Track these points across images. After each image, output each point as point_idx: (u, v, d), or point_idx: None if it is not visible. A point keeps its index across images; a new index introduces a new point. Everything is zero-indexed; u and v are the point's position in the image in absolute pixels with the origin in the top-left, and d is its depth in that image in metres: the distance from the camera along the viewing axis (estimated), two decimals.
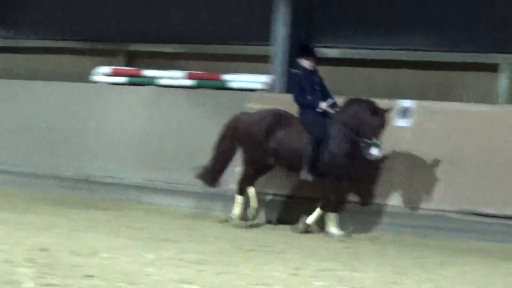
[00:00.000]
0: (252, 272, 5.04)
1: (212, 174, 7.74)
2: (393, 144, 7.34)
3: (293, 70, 7.60)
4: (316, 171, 7.10)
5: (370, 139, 6.80)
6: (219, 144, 7.74)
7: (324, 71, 9.09)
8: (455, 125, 7.37)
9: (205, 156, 8.06)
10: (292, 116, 7.50)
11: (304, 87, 7.32)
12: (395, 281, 5.01)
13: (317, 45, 9.01)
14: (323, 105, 7.23)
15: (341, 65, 9.25)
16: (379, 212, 7.55)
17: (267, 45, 9.24)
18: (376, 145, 6.78)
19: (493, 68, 8.38)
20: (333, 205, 7.18)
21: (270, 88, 9.06)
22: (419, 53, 8.40)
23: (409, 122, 7.56)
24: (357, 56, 9.20)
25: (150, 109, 9.20)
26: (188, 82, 9.54)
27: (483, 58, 8.40)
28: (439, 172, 7.25)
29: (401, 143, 7.50)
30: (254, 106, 8.29)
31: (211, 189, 8.15)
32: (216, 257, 5.58)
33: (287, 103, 7.94)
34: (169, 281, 4.50)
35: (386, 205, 7.47)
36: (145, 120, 9.18)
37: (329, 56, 9.10)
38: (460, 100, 8.24)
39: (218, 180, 7.77)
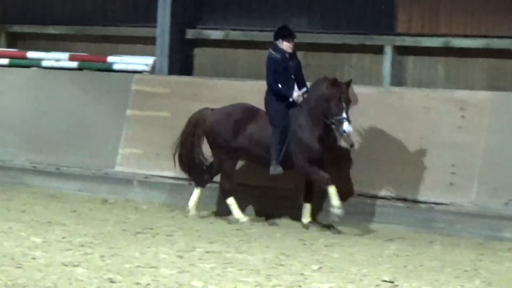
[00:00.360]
0: (139, 255, 5.10)
1: (195, 175, 7.30)
2: None
3: (272, 52, 6.98)
4: (285, 163, 6.74)
5: (339, 116, 6.46)
6: (183, 141, 7.25)
7: (208, 53, 9.32)
8: None
9: (89, 138, 8.11)
10: (258, 109, 7.11)
11: (279, 73, 6.90)
12: (281, 263, 5.07)
13: (201, 26, 9.21)
14: (295, 95, 6.86)
15: (225, 46, 9.41)
16: (265, 194, 7.43)
17: (153, 26, 9.27)
18: (347, 120, 6.46)
19: (377, 50, 8.60)
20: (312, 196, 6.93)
21: (155, 70, 9.08)
22: (304, 34, 8.29)
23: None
24: (241, 38, 9.28)
25: (34, 91, 9.03)
26: (72, 64, 9.48)
27: (367, 40, 8.62)
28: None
29: None
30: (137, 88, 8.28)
31: (97, 172, 8.22)
32: (103, 240, 5.60)
33: (172, 85, 8.06)
34: (55, 264, 4.57)
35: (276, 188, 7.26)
36: (29, 102, 9.00)
37: (213, 37, 9.32)
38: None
39: (204, 178, 7.28)
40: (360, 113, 7.00)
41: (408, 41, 8.49)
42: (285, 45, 6.91)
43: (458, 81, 8.26)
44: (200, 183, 7.21)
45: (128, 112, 8.49)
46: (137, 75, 8.83)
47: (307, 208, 6.89)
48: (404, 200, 7.00)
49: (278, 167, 6.75)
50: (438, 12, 8.46)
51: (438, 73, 8.50)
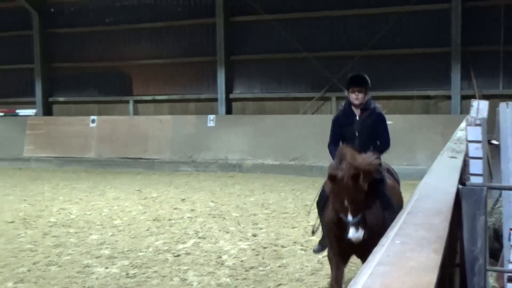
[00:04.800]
0: None
1: None
2: None
3: (340, 108, 5.96)
4: None
5: (345, 218, 4.92)
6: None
7: None
8: None
9: None
10: None
11: (337, 131, 5.78)
12: None
13: None
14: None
15: None
16: None
17: None
18: (353, 225, 4.88)
19: None
20: None
21: None
22: None
23: None
24: None
25: None
26: None
27: None
28: None
29: None
30: None
31: None
32: None
33: None
34: None
35: None
36: None
37: None
38: None
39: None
40: None
41: None
42: (351, 96, 5.68)
43: None
44: None
45: None
46: None
47: None
48: None
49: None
50: None
51: None
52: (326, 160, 15.04)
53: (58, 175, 15.98)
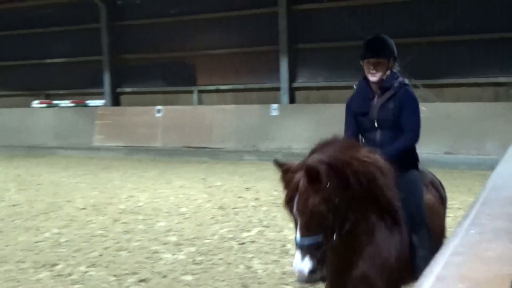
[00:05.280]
0: None
1: None
2: None
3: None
4: None
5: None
6: None
7: None
8: None
9: None
10: None
11: (351, 118, 4.21)
12: None
13: None
14: None
15: None
16: None
17: None
18: (298, 247, 3.12)
19: None
20: None
21: None
22: None
23: None
24: None
25: None
26: None
27: None
28: None
29: None
30: None
31: None
32: None
33: None
34: None
35: None
36: None
37: None
38: None
39: None
40: None
41: None
42: (366, 71, 4.15)
43: None
44: None
45: None
46: None
47: None
48: None
49: None
50: None
51: None
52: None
53: (126, 164, 16.43)
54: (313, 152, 3.47)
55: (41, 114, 21.49)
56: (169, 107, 19.42)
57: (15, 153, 19.61)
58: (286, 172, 3.32)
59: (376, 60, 4.08)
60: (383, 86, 4.11)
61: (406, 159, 4.01)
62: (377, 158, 3.48)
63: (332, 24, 17.53)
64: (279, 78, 18.28)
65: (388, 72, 4.12)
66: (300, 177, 3.19)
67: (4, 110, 22.36)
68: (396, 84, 4.09)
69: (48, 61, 22.36)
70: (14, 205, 10.54)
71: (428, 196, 4.13)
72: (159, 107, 19.37)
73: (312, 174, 3.12)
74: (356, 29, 16.87)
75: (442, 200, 4.38)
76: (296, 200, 3.19)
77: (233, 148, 17.46)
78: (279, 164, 3.37)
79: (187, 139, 18.40)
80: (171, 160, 17.15)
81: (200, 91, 19.94)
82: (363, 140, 4.19)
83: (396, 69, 4.21)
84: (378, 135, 4.11)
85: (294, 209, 3.19)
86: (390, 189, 3.49)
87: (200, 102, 19.88)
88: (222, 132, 17.95)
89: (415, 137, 4.02)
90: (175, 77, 20.40)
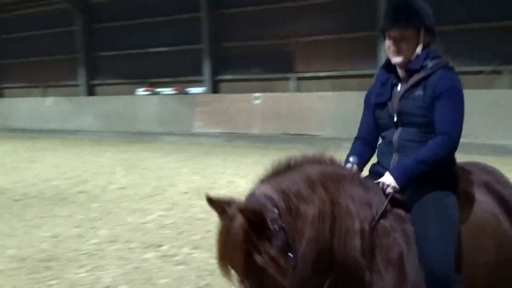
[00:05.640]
0: None
1: None
2: None
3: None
4: None
5: None
6: None
7: None
8: None
9: None
10: None
11: (369, 111, 3.22)
12: None
13: None
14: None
15: None
16: None
17: None
18: None
19: None
20: None
21: None
22: None
23: None
24: None
25: None
26: None
27: None
28: None
29: None
30: None
31: None
32: None
33: None
34: None
35: None
36: None
37: None
38: None
39: None
40: None
41: None
42: (387, 47, 3.01)
43: None
44: None
45: None
46: None
47: None
48: None
49: None
50: None
51: None
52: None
53: (225, 150, 16.79)
54: (265, 179, 2.62)
55: (145, 102, 22.42)
56: (268, 94, 19.60)
57: (121, 138, 20.59)
58: (222, 214, 2.37)
59: (399, 31, 2.89)
60: (411, 68, 2.90)
61: (435, 177, 2.81)
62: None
63: (433, 8, 16.89)
64: (377, 65, 17.92)
65: (418, 49, 2.91)
66: (237, 224, 2.26)
67: (111, 98, 23.52)
68: (430, 65, 2.87)
69: (151, 50, 23.22)
70: (122, 188, 11.10)
71: (478, 214, 2.86)
72: (257, 94, 19.60)
73: (253, 219, 2.22)
74: (461, 12, 16.18)
75: (509, 211, 2.99)
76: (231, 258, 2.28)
77: (331, 135, 17.36)
78: (212, 203, 2.43)
79: (285, 126, 18.51)
80: (268, 146, 17.34)
81: (298, 78, 19.96)
82: (380, 142, 3.12)
83: (433, 46, 2.99)
84: (396, 135, 2.93)
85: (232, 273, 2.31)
86: (353, 239, 2.46)
87: (298, 89, 19.91)
88: (320, 119, 17.89)
89: (453, 143, 2.80)
90: (273, 65, 20.54)
